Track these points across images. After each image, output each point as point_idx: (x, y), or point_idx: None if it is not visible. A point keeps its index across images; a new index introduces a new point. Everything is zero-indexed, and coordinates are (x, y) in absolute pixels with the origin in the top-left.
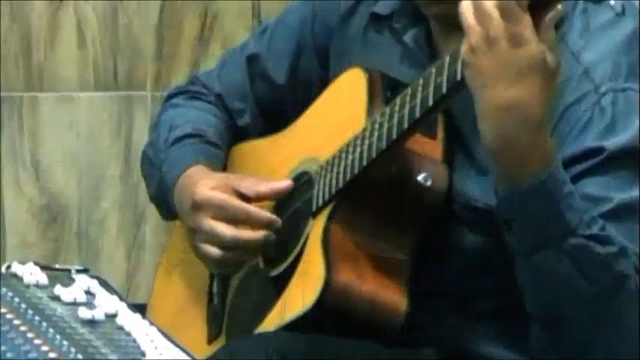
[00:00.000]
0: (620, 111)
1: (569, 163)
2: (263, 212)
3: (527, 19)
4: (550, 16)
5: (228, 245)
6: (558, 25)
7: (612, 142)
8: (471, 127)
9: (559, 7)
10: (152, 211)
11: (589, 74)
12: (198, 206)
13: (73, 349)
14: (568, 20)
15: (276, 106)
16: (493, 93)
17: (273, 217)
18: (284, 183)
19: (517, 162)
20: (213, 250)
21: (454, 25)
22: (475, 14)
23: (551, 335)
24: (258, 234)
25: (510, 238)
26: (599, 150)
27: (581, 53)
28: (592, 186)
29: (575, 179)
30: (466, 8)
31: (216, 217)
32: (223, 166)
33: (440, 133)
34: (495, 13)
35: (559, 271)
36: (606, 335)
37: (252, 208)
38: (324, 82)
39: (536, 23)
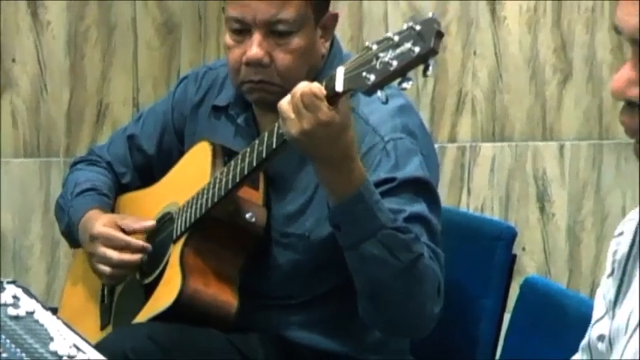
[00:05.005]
0: (400, 153)
1: None
2: (138, 242)
3: (324, 106)
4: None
5: (115, 265)
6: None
7: (400, 174)
8: (282, 180)
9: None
10: (64, 241)
11: (376, 131)
12: (94, 238)
13: (3, 336)
14: (355, 98)
15: (148, 169)
16: (318, 153)
17: (146, 244)
18: (150, 223)
19: (342, 183)
20: (105, 269)
21: (270, 109)
22: (293, 110)
23: (376, 304)
24: (135, 256)
25: (341, 237)
26: (391, 179)
27: (369, 117)
28: (388, 204)
29: None
30: (285, 107)
31: (106, 245)
32: (112, 209)
33: (261, 186)
34: (303, 110)
35: (377, 255)
36: (413, 298)
37: (130, 239)
38: (181, 153)
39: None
